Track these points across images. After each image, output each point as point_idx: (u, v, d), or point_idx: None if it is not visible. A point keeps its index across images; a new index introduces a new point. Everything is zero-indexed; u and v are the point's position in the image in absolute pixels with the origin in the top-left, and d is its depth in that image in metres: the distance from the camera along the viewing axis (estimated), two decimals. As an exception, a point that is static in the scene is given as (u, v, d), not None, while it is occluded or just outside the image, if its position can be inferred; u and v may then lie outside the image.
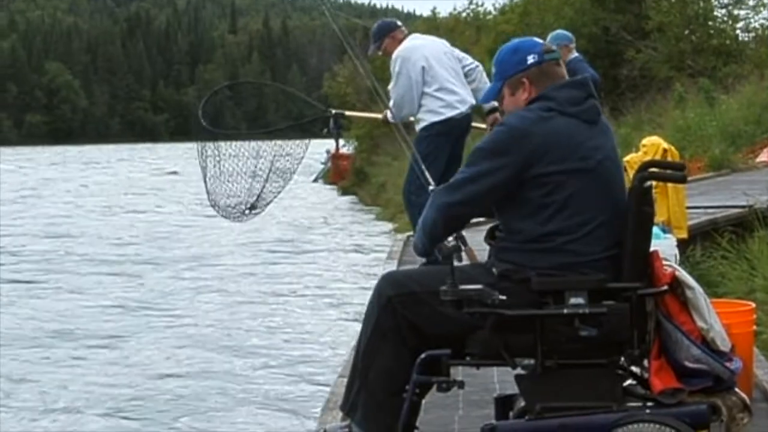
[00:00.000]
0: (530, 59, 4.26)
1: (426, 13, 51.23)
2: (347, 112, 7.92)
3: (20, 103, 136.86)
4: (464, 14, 44.57)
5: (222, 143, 6.68)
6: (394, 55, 8.02)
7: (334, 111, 7.58)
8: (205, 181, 6.61)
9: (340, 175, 39.11)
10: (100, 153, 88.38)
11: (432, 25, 45.20)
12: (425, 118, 7.95)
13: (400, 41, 8.21)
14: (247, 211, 6.56)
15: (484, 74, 8.45)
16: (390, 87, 8.04)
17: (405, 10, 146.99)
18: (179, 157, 67.73)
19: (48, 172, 59.03)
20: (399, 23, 8.52)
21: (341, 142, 41.09)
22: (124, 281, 18.64)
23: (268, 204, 6.77)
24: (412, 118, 8.10)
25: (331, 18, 6.91)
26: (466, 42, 41.47)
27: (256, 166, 6.78)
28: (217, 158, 6.63)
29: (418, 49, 8.07)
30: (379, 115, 8.60)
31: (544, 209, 4.11)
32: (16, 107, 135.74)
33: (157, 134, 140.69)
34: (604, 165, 4.18)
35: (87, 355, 12.96)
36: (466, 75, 8.20)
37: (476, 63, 8.38)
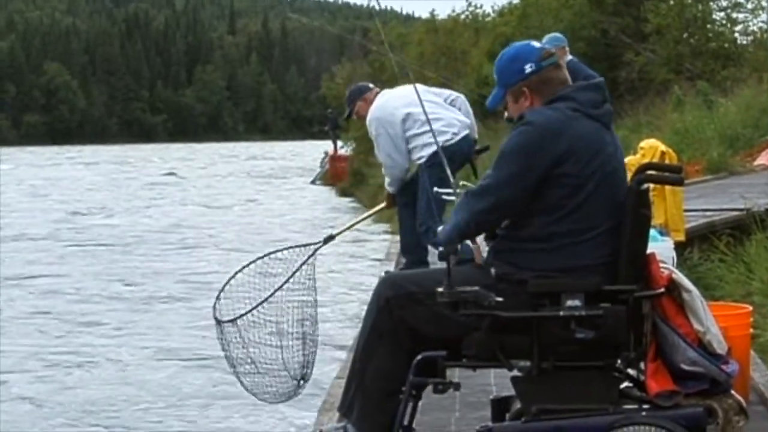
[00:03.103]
0: (528, 68, 4.24)
1: (425, 14, 51.22)
2: (336, 232, 7.29)
3: (18, 104, 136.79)
4: (463, 16, 44.54)
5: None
6: (367, 120, 7.97)
7: (324, 239, 7.13)
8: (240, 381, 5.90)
9: (338, 176, 39.05)
10: (99, 153, 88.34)
11: (431, 27, 45.23)
12: (422, 154, 7.88)
13: (372, 102, 8.16)
14: (301, 381, 5.83)
15: (467, 103, 8.41)
16: (376, 151, 7.97)
17: (404, 12, 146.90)
18: (175, 158, 68.07)
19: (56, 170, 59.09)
20: (370, 85, 8.47)
21: (339, 143, 41.16)
22: (126, 273, 19.36)
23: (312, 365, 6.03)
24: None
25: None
26: (464, 44, 41.49)
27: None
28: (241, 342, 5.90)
29: (388, 104, 7.98)
30: (383, 204, 8.43)
31: (558, 209, 4.09)
32: (15, 107, 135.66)
33: (155, 135, 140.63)
34: (618, 171, 4.19)
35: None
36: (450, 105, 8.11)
37: (456, 94, 8.30)
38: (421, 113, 7.40)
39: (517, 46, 4.36)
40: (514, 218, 4.20)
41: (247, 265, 5.90)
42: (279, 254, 6.10)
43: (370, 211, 7.96)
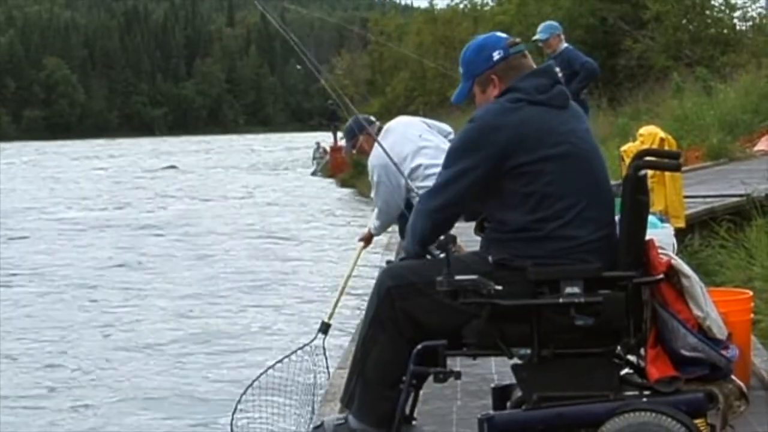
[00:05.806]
0: (496, 55, 4.30)
1: (424, 4, 51.18)
2: (327, 318, 7.22)
3: (18, 98, 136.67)
4: (461, 5, 44.56)
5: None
6: (370, 164, 7.70)
7: (322, 330, 7.07)
8: None
9: (338, 167, 39.02)
10: (99, 147, 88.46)
11: (429, 17, 45.24)
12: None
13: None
14: None
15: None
16: (372, 194, 7.81)
17: (403, 2, 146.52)
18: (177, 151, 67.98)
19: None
20: (372, 119, 8.17)
21: (339, 134, 41.14)
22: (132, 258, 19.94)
23: None
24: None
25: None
26: (463, 33, 41.47)
27: None
28: None
29: (393, 150, 7.53)
30: (362, 245, 8.10)
31: (527, 198, 4.12)
32: (15, 102, 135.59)
33: (156, 128, 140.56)
34: (580, 147, 4.20)
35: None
36: None
37: (449, 130, 7.95)
38: (431, 165, 7.17)
39: (482, 37, 4.45)
40: (493, 217, 4.24)
41: (251, 384, 6.19)
42: (278, 365, 6.41)
43: (352, 263, 7.69)
